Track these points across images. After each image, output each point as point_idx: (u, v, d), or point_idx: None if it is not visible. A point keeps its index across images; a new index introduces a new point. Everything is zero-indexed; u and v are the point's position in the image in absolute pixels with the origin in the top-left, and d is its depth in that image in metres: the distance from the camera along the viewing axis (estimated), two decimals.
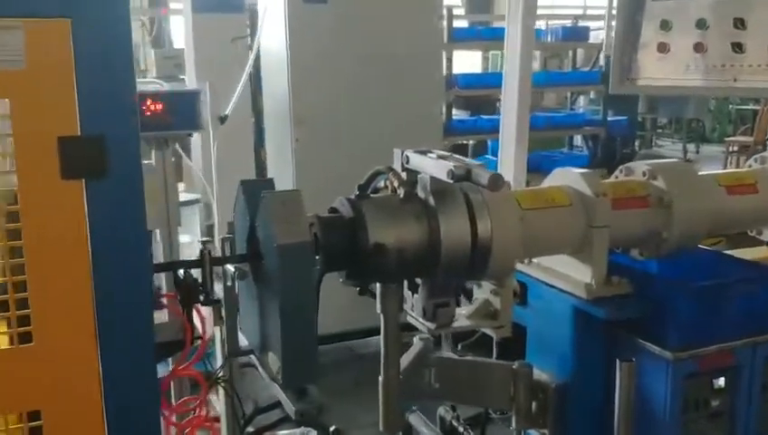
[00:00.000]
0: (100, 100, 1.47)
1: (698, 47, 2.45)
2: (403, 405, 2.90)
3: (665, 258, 2.43)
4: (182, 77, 7.64)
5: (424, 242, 2.04)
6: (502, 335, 2.29)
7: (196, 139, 6.10)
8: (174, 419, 2.20)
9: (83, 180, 1.48)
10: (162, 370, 2.19)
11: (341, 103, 4.26)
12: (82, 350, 1.54)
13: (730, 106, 15.15)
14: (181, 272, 1.96)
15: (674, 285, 2.29)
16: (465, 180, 1.91)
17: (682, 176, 2.41)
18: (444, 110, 8.52)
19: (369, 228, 2.00)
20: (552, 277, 2.43)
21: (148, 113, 2.59)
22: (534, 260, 2.53)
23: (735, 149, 11.87)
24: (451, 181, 1.92)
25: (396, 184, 2.08)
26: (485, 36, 9.25)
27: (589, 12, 14.68)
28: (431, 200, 2.06)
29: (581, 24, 10.65)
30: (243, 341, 2.39)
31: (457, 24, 10.80)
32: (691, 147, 14.20)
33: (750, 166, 2.69)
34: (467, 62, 11.64)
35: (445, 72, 8.37)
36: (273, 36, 4.43)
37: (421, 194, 2.10)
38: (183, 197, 6.53)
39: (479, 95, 8.70)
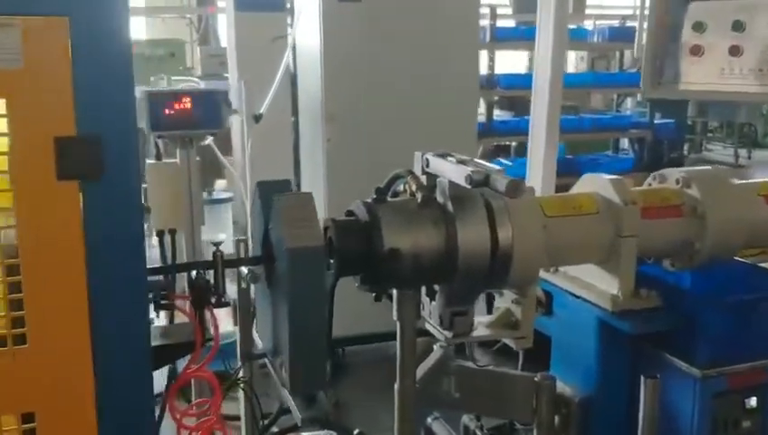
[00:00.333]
0: (98, 99, 1.45)
1: (734, 50, 2.33)
2: (422, 412, 2.85)
3: (698, 270, 2.33)
4: (226, 75, 7.70)
5: (440, 248, 1.98)
6: (522, 347, 2.22)
7: (236, 136, 6.16)
8: (185, 421, 2.19)
9: (79, 181, 1.46)
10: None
11: (374, 103, 4.22)
12: (77, 352, 1.52)
13: None
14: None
15: (705, 299, 2.19)
16: (484, 186, 1.85)
17: (718, 184, 2.30)
18: (485, 110, 8.46)
19: (384, 233, 1.95)
20: (578, 287, 2.35)
21: (170, 112, 2.58)
22: (561, 269, 2.45)
23: None
24: (469, 187, 1.86)
25: (414, 188, 2.03)
26: (529, 36, 9.09)
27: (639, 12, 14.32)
28: (449, 206, 2.00)
29: (631, 24, 10.41)
30: (260, 343, 2.37)
31: (504, 23, 10.66)
32: (743, 152, 13.77)
33: None
34: (512, 61, 11.49)
35: (487, 71, 8.30)
36: (308, 35, 4.41)
37: (440, 199, 2.05)
38: (223, 195, 6.58)
39: (523, 96, 8.57)
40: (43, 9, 1.42)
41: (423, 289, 2.19)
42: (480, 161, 2.02)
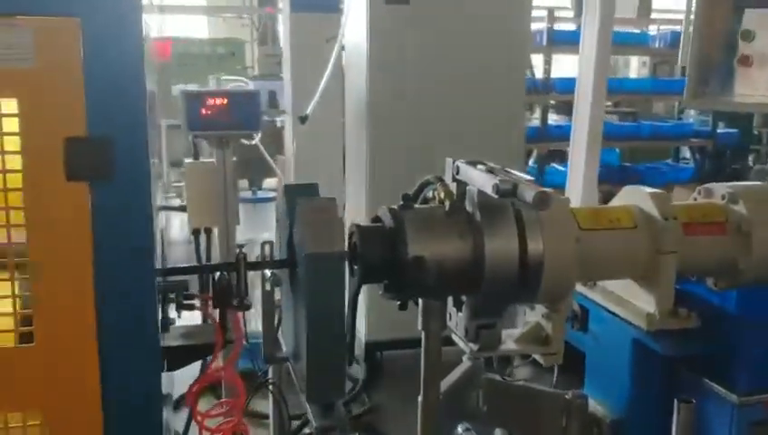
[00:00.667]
0: (109, 100, 1.44)
1: None
2: (449, 424, 2.79)
3: (744, 291, 2.21)
4: (282, 75, 7.78)
5: (466, 259, 1.93)
6: (552, 363, 2.15)
7: (288, 136, 6.19)
8: (210, 422, 2.19)
9: (88, 182, 1.46)
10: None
11: (418, 105, 4.17)
12: (84, 351, 1.52)
13: None
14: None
15: (747, 322, 2.07)
16: (511, 196, 1.79)
17: (766, 201, 2.18)
18: (539, 114, 8.32)
19: (408, 240, 1.91)
20: (614, 304, 2.26)
21: (207, 112, 2.58)
22: (599, 284, 2.37)
23: None
24: (496, 196, 1.80)
25: (442, 196, 1.98)
26: None
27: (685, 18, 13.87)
28: (477, 215, 1.94)
29: None
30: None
31: (565, 26, 10.46)
32: None
33: None
34: (573, 65, 11.27)
35: (543, 75, 8.15)
36: (355, 36, 4.39)
37: (469, 207, 1.99)
38: (270, 194, 6.64)
39: None
40: (55, 9, 1.42)
41: (450, 299, 2.14)
42: (511, 171, 1.96)
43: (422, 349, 2.07)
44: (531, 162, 8.32)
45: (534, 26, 8.32)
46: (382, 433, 3.79)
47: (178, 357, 1.87)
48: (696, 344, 2.07)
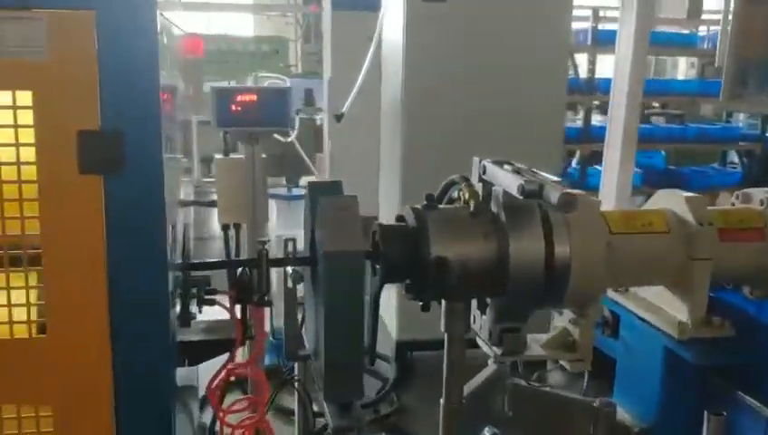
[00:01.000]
0: (122, 94, 1.44)
1: None
2: (476, 425, 2.74)
3: None
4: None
5: (490, 261, 1.89)
6: (578, 369, 2.09)
7: (326, 133, 6.21)
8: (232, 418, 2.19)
9: (102, 175, 1.46)
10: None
11: (454, 104, 4.12)
12: (96, 344, 1.53)
13: None
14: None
15: None
16: (537, 197, 1.74)
17: None
18: (582, 115, 8.17)
19: (431, 240, 1.88)
20: (645, 310, 2.19)
21: (237, 109, 2.59)
22: (631, 289, 2.30)
23: None
24: (521, 197, 1.75)
25: (467, 196, 1.94)
26: None
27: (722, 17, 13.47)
28: (502, 216, 1.90)
29: None
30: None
31: (612, 26, 10.26)
32: None
33: None
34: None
35: (587, 75, 8.00)
36: (392, 34, 4.37)
37: (494, 208, 1.95)
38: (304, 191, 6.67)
39: None
40: (69, 2, 1.43)
41: (474, 301, 2.10)
42: (538, 171, 1.91)
43: (444, 350, 2.04)
44: (573, 163, 8.18)
45: (579, 25, 8.19)
46: (408, 434, 3.75)
47: (199, 351, 1.87)
48: (730, 355, 2.00)
